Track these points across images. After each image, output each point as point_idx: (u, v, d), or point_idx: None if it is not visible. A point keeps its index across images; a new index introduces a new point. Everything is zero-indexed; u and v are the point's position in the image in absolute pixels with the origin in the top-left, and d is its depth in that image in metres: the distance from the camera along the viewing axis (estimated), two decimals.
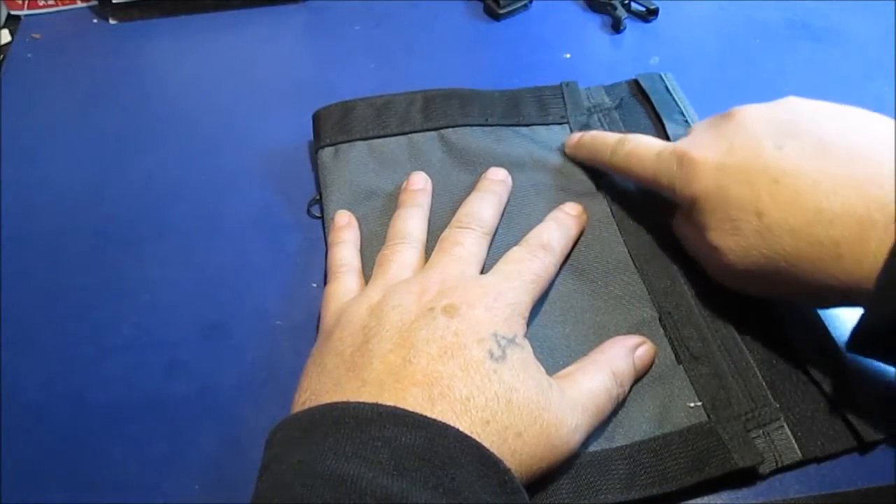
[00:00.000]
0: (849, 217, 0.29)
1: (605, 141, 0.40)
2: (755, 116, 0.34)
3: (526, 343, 0.31)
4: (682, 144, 0.35)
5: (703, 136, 0.35)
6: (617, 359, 0.33)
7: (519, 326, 0.31)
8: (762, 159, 0.32)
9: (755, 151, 0.32)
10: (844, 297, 0.30)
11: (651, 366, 0.34)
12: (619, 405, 0.33)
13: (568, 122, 0.45)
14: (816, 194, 0.30)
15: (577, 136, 0.42)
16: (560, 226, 0.38)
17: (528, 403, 0.28)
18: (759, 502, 0.32)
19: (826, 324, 0.36)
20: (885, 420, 0.32)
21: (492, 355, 0.29)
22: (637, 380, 0.34)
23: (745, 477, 0.32)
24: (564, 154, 0.43)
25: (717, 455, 0.31)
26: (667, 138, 0.44)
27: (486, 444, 0.27)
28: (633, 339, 0.34)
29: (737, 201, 0.32)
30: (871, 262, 0.28)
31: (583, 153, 0.42)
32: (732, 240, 0.32)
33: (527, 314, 0.33)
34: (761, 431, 0.32)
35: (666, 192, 0.36)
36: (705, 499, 0.31)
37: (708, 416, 0.33)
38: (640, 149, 0.37)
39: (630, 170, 0.38)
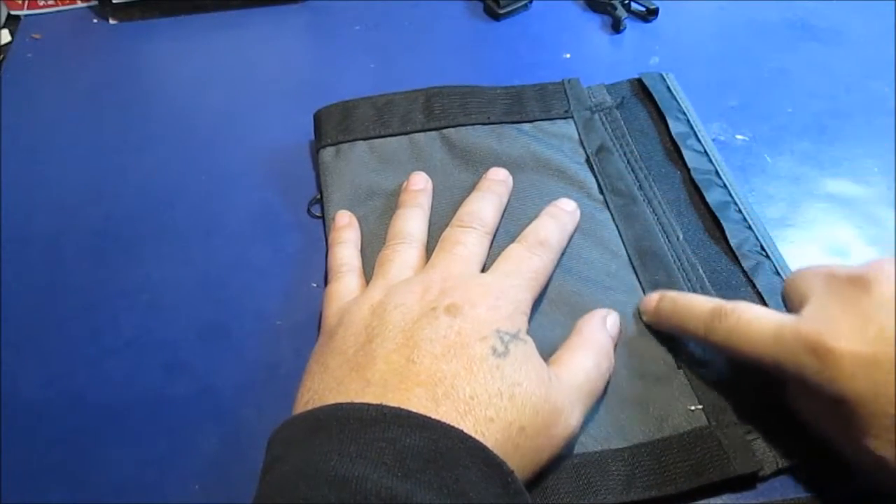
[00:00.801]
0: None
1: (694, 311, 0.33)
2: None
3: (528, 338, 0.31)
4: (808, 325, 0.28)
5: (836, 313, 0.28)
6: (595, 333, 0.34)
7: (521, 323, 0.32)
8: None
9: None
10: None
11: (620, 332, 0.35)
12: (618, 398, 0.33)
13: (572, 117, 0.45)
14: None
15: (655, 298, 0.35)
16: (556, 221, 0.38)
17: (531, 397, 0.28)
18: (758, 503, 0.32)
19: None
20: None
21: (495, 351, 0.29)
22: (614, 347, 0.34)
23: (744, 478, 0.32)
24: (566, 153, 0.43)
25: (716, 461, 0.31)
26: (669, 136, 0.44)
27: (491, 441, 0.27)
28: (600, 312, 0.35)
29: (887, 396, 0.26)
30: None
31: (666, 325, 0.35)
32: (882, 444, 0.27)
33: (528, 311, 0.33)
34: (760, 435, 0.32)
35: (792, 378, 0.30)
36: (705, 500, 0.31)
37: (708, 420, 0.33)
38: (750, 326, 0.30)
39: (736, 350, 0.31)
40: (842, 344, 0.27)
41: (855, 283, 0.29)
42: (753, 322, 0.30)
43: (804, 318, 0.29)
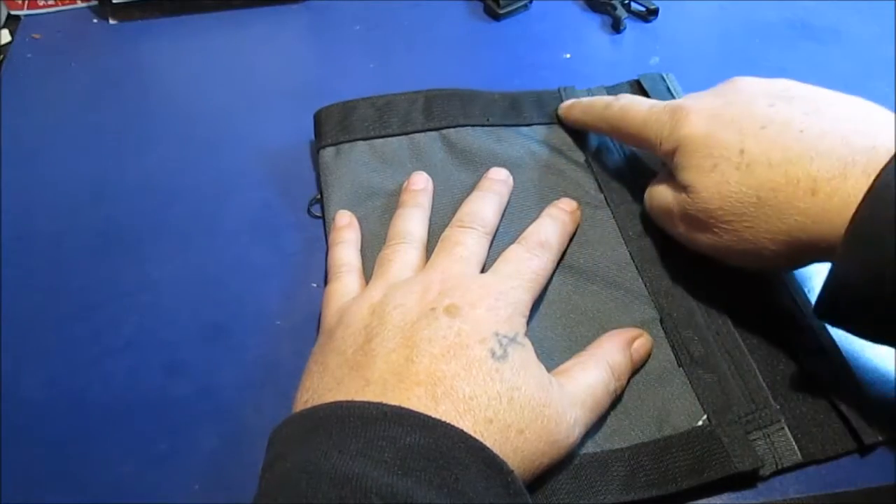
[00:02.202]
0: (830, 155, 0.30)
1: (598, 99, 0.42)
2: (752, 82, 0.36)
3: (527, 341, 0.31)
4: (676, 100, 0.37)
5: (699, 95, 0.37)
6: (614, 353, 0.33)
7: (520, 325, 0.32)
8: (754, 111, 0.33)
9: (748, 106, 0.34)
10: (812, 249, 0.31)
11: (647, 358, 0.35)
12: (617, 399, 0.33)
13: None
14: (801, 138, 0.31)
15: (569, 101, 0.44)
16: (556, 222, 0.38)
17: (530, 401, 0.28)
18: (759, 502, 0.32)
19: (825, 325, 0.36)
20: (885, 422, 0.33)
21: (493, 354, 0.29)
22: (634, 372, 0.34)
23: (745, 478, 0.32)
24: (565, 154, 0.43)
25: (717, 458, 0.31)
26: None
27: (489, 442, 0.27)
28: (630, 333, 0.35)
29: (722, 142, 0.33)
30: (844, 202, 0.29)
31: (576, 113, 0.43)
32: (709, 177, 0.33)
33: (527, 312, 0.33)
34: (761, 433, 0.32)
35: (651, 143, 0.37)
36: (705, 499, 0.31)
37: (708, 418, 0.33)
38: (634, 104, 0.39)
39: (622, 123, 0.39)
40: (695, 104, 0.35)
41: (723, 83, 0.37)
42: (636, 101, 0.39)
43: (675, 100, 0.38)
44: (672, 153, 0.35)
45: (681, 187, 0.34)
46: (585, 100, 0.43)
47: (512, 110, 0.45)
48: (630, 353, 0.34)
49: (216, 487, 0.32)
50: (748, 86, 0.35)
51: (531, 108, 0.45)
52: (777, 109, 0.33)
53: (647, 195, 0.38)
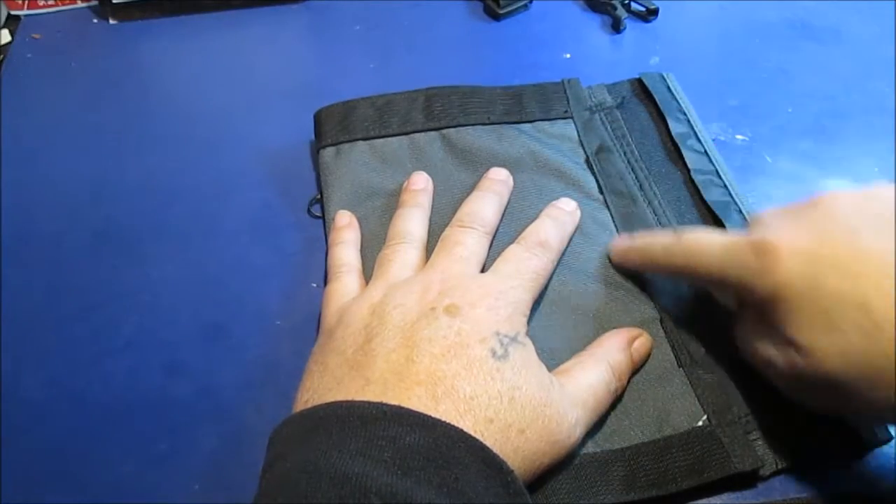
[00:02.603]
0: None
1: (656, 240, 0.35)
2: (846, 204, 0.29)
3: (527, 341, 0.31)
4: (755, 233, 0.30)
5: (783, 223, 0.30)
6: (614, 352, 0.33)
7: (520, 325, 0.32)
8: (863, 249, 0.27)
9: (853, 241, 0.28)
10: None
11: (648, 358, 0.35)
12: (617, 399, 0.33)
13: (571, 117, 0.45)
14: None
15: (624, 242, 0.38)
16: (556, 222, 0.38)
17: (531, 401, 0.28)
18: (759, 502, 0.32)
19: None
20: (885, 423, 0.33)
21: (494, 354, 0.29)
22: (634, 372, 0.34)
23: (745, 478, 0.32)
24: (565, 154, 0.43)
25: (717, 458, 0.31)
26: (669, 137, 0.44)
27: (490, 441, 0.27)
28: (630, 332, 0.34)
29: (834, 295, 0.27)
30: None
31: (633, 257, 0.37)
32: (826, 338, 0.27)
33: (527, 312, 0.33)
34: (761, 434, 0.32)
35: (735, 288, 0.31)
36: (705, 499, 0.31)
37: (708, 418, 0.33)
38: (702, 242, 0.32)
39: (691, 266, 0.33)
40: (783, 240, 0.29)
41: (806, 204, 0.31)
42: (704, 238, 0.33)
43: (752, 232, 0.31)
44: (769, 304, 0.29)
45: (787, 342, 0.29)
46: (640, 242, 0.36)
47: (514, 106, 0.45)
48: (630, 353, 0.34)
49: (216, 487, 0.32)
50: (841, 208, 0.29)
51: (533, 103, 0.45)
52: (891, 244, 0.27)
53: (738, 336, 0.33)
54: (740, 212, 0.40)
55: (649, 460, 0.31)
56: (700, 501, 0.31)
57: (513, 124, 0.44)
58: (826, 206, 0.30)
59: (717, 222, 0.40)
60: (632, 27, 0.54)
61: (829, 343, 0.27)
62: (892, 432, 0.32)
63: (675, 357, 0.35)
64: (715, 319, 0.36)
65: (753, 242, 0.30)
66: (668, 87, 0.47)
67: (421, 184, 0.40)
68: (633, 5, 0.54)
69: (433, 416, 0.26)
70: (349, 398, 0.28)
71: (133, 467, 0.33)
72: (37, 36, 0.54)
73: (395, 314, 0.31)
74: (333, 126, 0.44)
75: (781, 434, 0.32)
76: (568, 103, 0.45)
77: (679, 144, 0.43)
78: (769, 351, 0.30)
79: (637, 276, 0.38)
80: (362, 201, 0.41)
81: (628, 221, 0.40)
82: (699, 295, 0.37)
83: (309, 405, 0.28)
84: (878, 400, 0.27)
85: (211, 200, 0.43)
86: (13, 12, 0.56)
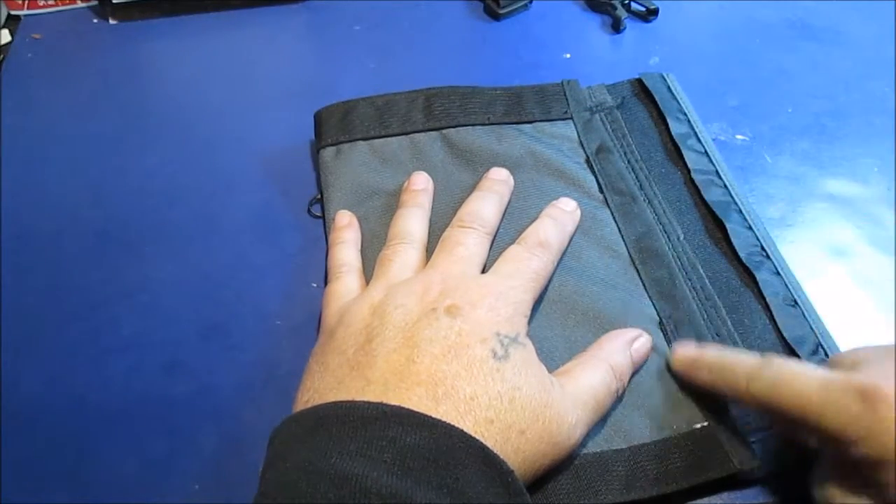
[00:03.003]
0: None
1: (737, 362, 0.30)
2: None
3: (528, 341, 0.31)
4: (861, 376, 0.26)
5: (883, 364, 0.27)
6: (615, 353, 0.33)
7: (521, 325, 0.32)
8: None
9: None
10: None
11: (648, 358, 0.35)
12: (618, 399, 0.33)
13: (571, 118, 0.45)
14: None
15: (690, 351, 0.33)
16: (556, 222, 0.38)
17: (531, 401, 0.28)
18: (759, 502, 0.32)
19: (824, 325, 0.36)
20: None
21: (495, 354, 0.29)
22: (634, 372, 0.34)
23: (745, 477, 0.32)
24: (566, 154, 0.43)
25: (717, 458, 0.31)
26: (670, 137, 0.44)
27: (490, 442, 0.27)
28: (630, 333, 0.34)
29: None
30: None
31: (703, 374, 0.32)
32: None
33: (528, 312, 0.33)
34: (761, 434, 0.32)
35: (832, 436, 0.26)
36: (705, 499, 0.32)
37: (708, 419, 0.33)
38: (797, 376, 0.28)
39: (776, 402, 0.28)
40: (890, 388, 0.25)
41: None
42: (799, 372, 0.28)
43: (857, 373, 0.27)
44: (874, 461, 0.25)
45: (883, 498, 0.26)
46: (715, 357, 0.32)
47: (513, 107, 0.45)
48: (631, 354, 0.34)
49: (216, 487, 0.32)
50: None
51: (533, 104, 0.45)
52: None
53: (815, 477, 0.29)
54: (740, 212, 0.40)
55: (649, 460, 0.31)
56: (700, 501, 0.32)
57: (513, 125, 0.44)
58: None
59: (718, 222, 0.40)
60: (632, 27, 0.54)
61: None
62: None
63: None
64: (715, 320, 0.36)
65: (861, 387, 0.26)
66: (668, 87, 0.47)
67: (421, 184, 0.40)
68: (633, 5, 0.54)
69: (434, 416, 0.26)
70: (350, 398, 0.28)
71: (133, 467, 0.33)
72: (37, 36, 0.54)
73: (395, 314, 0.31)
74: (333, 126, 0.44)
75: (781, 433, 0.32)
76: (567, 104, 0.45)
77: (679, 144, 0.43)
78: (852, 499, 0.27)
79: (637, 277, 0.38)
80: (362, 201, 0.41)
81: (628, 220, 0.40)
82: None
83: (309, 405, 0.28)
84: None
85: (211, 200, 0.43)
86: (13, 12, 0.56)
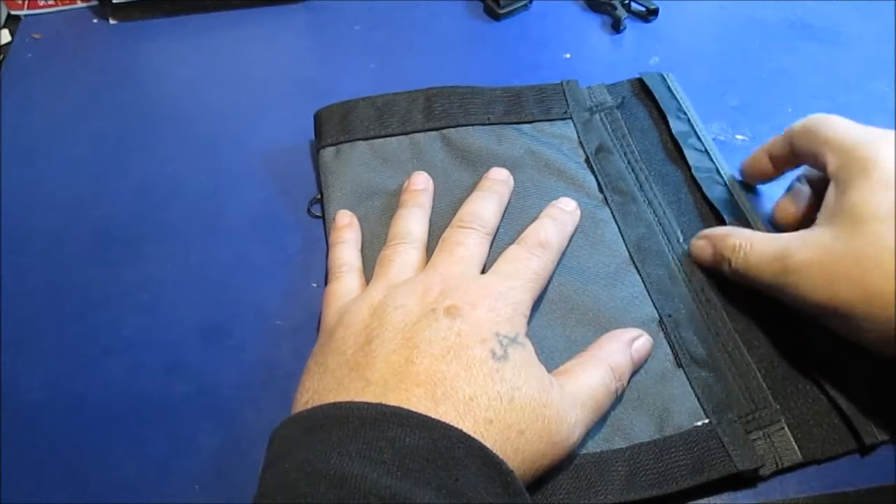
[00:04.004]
0: None
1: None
2: None
3: (527, 341, 0.31)
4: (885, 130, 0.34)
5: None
6: (615, 353, 0.33)
7: (520, 325, 0.32)
8: None
9: None
10: None
11: (648, 358, 0.35)
12: (618, 399, 0.33)
13: (571, 118, 0.45)
14: None
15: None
16: (555, 222, 0.38)
17: (531, 401, 0.28)
18: (759, 502, 0.32)
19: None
20: (885, 422, 0.33)
21: (494, 355, 0.29)
22: (634, 372, 0.34)
23: (745, 478, 0.32)
24: (565, 154, 0.43)
25: (717, 458, 0.31)
26: (670, 137, 0.44)
27: (490, 442, 0.27)
28: (630, 333, 0.35)
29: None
30: None
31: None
32: (875, 200, 0.30)
33: (528, 312, 0.33)
34: (762, 433, 0.32)
35: (829, 145, 0.34)
36: (705, 499, 0.32)
37: (708, 419, 0.33)
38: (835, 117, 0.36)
39: (808, 128, 0.36)
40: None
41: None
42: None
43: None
44: (851, 170, 0.32)
45: (830, 217, 0.32)
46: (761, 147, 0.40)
47: (513, 107, 0.45)
48: (630, 354, 0.34)
49: (216, 487, 0.32)
50: None
51: (533, 104, 0.45)
52: None
53: (738, 250, 0.35)
54: (741, 211, 0.40)
55: (649, 460, 0.31)
56: (700, 501, 0.32)
57: (513, 125, 0.44)
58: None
59: (720, 220, 0.40)
60: (632, 27, 0.54)
61: (873, 209, 0.30)
62: (893, 432, 0.32)
63: (675, 357, 0.35)
64: (715, 320, 0.36)
65: (870, 128, 0.33)
66: (669, 87, 0.47)
67: (421, 184, 0.40)
68: (633, 5, 0.54)
69: (433, 417, 0.26)
70: (349, 399, 0.28)
71: (133, 467, 0.33)
72: (37, 36, 0.54)
73: (395, 315, 0.31)
74: (333, 126, 0.44)
75: (782, 434, 0.32)
76: (567, 104, 0.45)
77: (680, 142, 0.43)
78: (783, 238, 0.33)
79: (637, 277, 0.38)
80: (362, 201, 0.41)
81: (628, 220, 0.40)
82: (699, 296, 0.37)
83: (309, 406, 0.28)
84: (862, 293, 0.29)
85: (211, 200, 0.43)
86: (13, 12, 0.56)
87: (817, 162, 0.35)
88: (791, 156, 0.38)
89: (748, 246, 0.35)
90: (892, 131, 0.33)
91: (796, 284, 0.32)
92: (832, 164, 0.34)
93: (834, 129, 0.34)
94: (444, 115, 0.44)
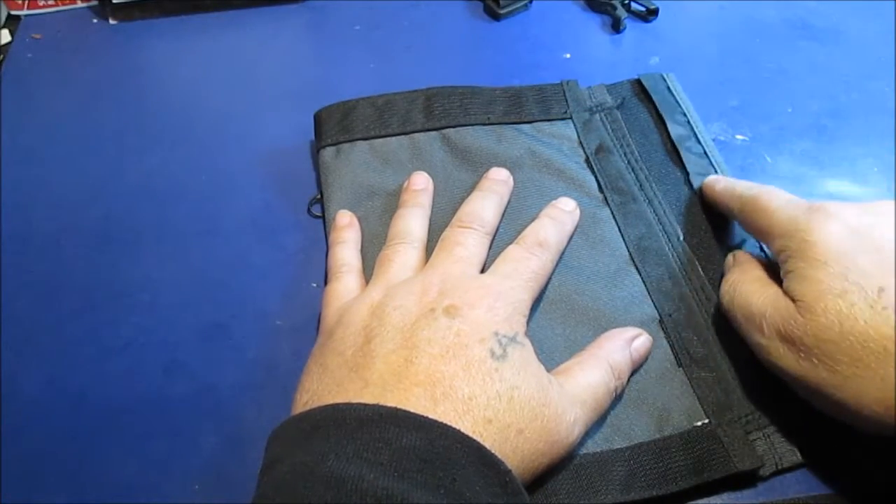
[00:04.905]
0: None
1: (743, 182, 0.38)
2: None
3: (526, 341, 0.31)
4: (819, 202, 0.33)
5: (846, 205, 0.32)
6: (614, 352, 0.33)
7: (519, 325, 0.32)
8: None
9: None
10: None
11: (647, 357, 0.35)
12: (617, 398, 0.33)
13: (571, 118, 0.45)
14: None
15: (716, 177, 0.40)
16: (555, 222, 0.38)
17: (530, 401, 0.28)
18: (759, 502, 0.32)
19: None
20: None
21: (493, 354, 0.29)
22: (634, 371, 0.34)
23: (745, 478, 0.32)
24: (565, 154, 0.43)
25: (717, 458, 0.31)
26: (669, 138, 0.44)
27: (489, 442, 0.27)
28: (630, 332, 0.35)
29: (860, 269, 0.29)
30: None
31: (718, 188, 0.39)
32: (833, 303, 0.28)
33: (527, 312, 0.33)
34: (761, 434, 0.32)
35: (774, 235, 0.33)
36: (705, 499, 0.32)
37: (708, 419, 0.33)
38: (775, 191, 0.35)
39: (754, 204, 0.35)
40: (837, 211, 0.31)
41: (879, 202, 0.32)
42: (777, 191, 0.35)
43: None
44: (793, 254, 0.31)
45: (788, 297, 0.30)
46: (731, 180, 0.39)
47: (513, 107, 0.45)
48: (630, 353, 0.34)
49: (216, 487, 0.32)
50: None
51: (533, 104, 0.45)
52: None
53: (728, 288, 0.34)
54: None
55: (649, 460, 0.31)
56: (700, 501, 0.32)
57: (512, 125, 0.44)
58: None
59: (717, 221, 0.40)
60: (632, 27, 0.54)
61: (833, 308, 0.28)
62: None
63: (675, 357, 0.35)
64: (715, 320, 0.36)
65: (812, 204, 0.32)
66: (668, 88, 0.47)
67: (421, 184, 0.40)
68: (633, 5, 0.54)
69: (432, 417, 0.26)
70: (348, 400, 0.28)
71: (133, 467, 0.33)
72: (37, 36, 0.54)
73: (394, 315, 0.31)
74: (333, 126, 0.44)
75: (782, 433, 0.32)
76: (567, 104, 0.45)
77: (678, 147, 0.43)
78: (762, 301, 0.32)
79: (637, 277, 0.38)
80: (362, 201, 0.41)
81: (628, 220, 0.40)
82: (698, 294, 0.37)
83: (308, 406, 0.28)
84: (854, 389, 0.28)
85: (211, 200, 0.43)
86: (13, 12, 0.56)
87: (763, 240, 0.35)
88: (732, 215, 0.38)
89: (733, 290, 0.34)
90: (829, 204, 0.32)
91: (768, 350, 0.31)
92: (776, 248, 0.33)
93: (772, 213, 0.34)
94: (444, 115, 0.44)
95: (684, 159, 0.43)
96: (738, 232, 0.39)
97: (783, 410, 0.33)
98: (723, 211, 0.39)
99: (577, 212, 0.39)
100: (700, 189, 0.41)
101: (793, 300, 0.30)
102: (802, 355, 0.29)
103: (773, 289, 0.32)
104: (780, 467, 0.32)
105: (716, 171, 0.42)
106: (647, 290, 0.37)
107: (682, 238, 0.39)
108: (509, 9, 0.55)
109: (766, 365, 0.32)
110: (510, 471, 0.26)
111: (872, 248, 0.29)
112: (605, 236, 0.39)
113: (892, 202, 0.31)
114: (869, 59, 0.51)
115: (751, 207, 0.35)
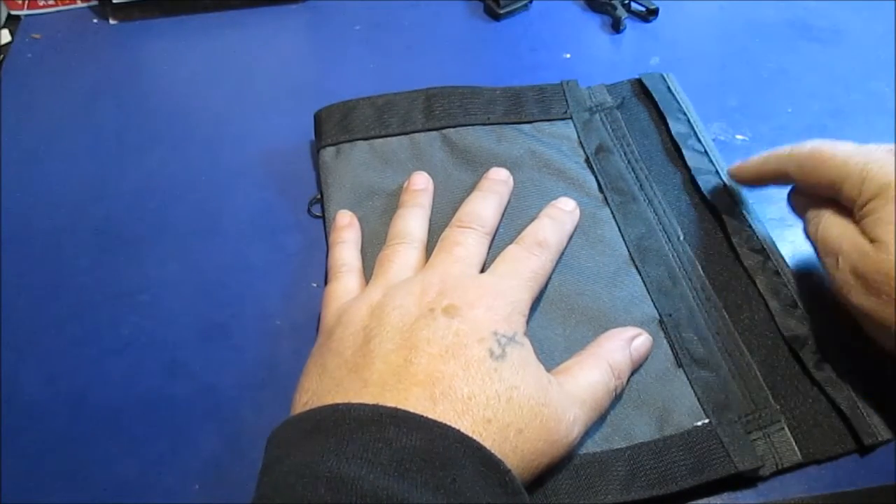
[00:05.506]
0: None
1: (778, 148, 0.37)
2: None
3: (526, 340, 0.31)
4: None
5: None
6: (614, 352, 0.33)
7: (519, 324, 0.32)
8: None
9: None
10: None
11: (647, 357, 0.35)
12: (617, 398, 0.33)
13: (571, 118, 0.45)
14: None
15: (739, 162, 0.39)
16: (554, 222, 0.38)
17: (529, 400, 0.28)
18: (759, 502, 0.32)
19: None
20: (885, 422, 0.33)
21: (492, 354, 0.29)
22: (634, 371, 0.34)
23: (745, 478, 0.32)
24: (565, 154, 0.43)
25: (717, 458, 0.31)
26: (670, 138, 0.44)
27: (488, 442, 0.27)
28: (629, 332, 0.35)
29: None
30: None
31: (752, 166, 0.38)
32: None
33: (526, 312, 0.33)
34: (762, 433, 0.32)
35: (850, 182, 0.32)
36: (705, 499, 0.32)
37: (708, 418, 0.33)
38: (829, 142, 0.34)
39: (815, 159, 0.34)
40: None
41: None
42: (832, 141, 0.34)
43: None
44: (873, 196, 0.31)
45: (866, 237, 0.31)
46: (763, 153, 0.38)
47: (513, 107, 0.45)
48: (630, 352, 0.34)
49: (216, 487, 0.32)
50: None
51: (533, 104, 0.45)
52: None
53: (814, 217, 0.35)
54: (741, 211, 0.40)
55: (649, 460, 0.31)
56: (700, 501, 0.32)
57: (513, 125, 0.44)
58: None
59: (719, 220, 0.40)
60: (632, 27, 0.54)
61: None
62: (893, 432, 0.32)
63: (675, 357, 0.35)
64: (715, 320, 0.36)
65: (888, 147, 0.32)
66: (668, 88, 0.47)
67: (421, 184, 0.40)
68: (633, 5, 0.54)
69: (431, 417, 0.26)
70: (347, 400, 0.28)
71: (133, 467, 0.33)
72: (37, 36, 0.54)
73: (393, 315, 0.31)
74: (333, 126, 0.44)
75: (782, 434, 0.32)
76: (567, 104, 0.45)
77: (679, 144, 0.43)
78: (843, 238, 0.32)
79: (637, 277, 0.38)
80: (362, 201, 0.41)
81: (628, 220, 0.40)
82: (699, 294, 0.37)
83: (308, 406, 0.28)
84: None
85: (211, 200, 0.43)
86: (13, 12, 0.56)
87: (829, 192, 0.34)
88: (787, 178, 0.37)
89: (818, 220, 0.34)
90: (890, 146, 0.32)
91: (840, 284, 0.32)
92: (849, 194, 0.33)
93: (842, 162, 0.33)
94: (444, 115, 0.44)
95: (685, 156, 0.43)
96: (738, 231, 0.39)
97: (783, 410, 0.33)
98: (769, 181, 0.38)
99: (577, 212, 0.39)
100: (712, 184, 0.40)
101: (871, 241, 0.31)
102: (873, 292, 0.30)
103: (853, 227, 0.32)
104: (780, 467, 0.32)
105: (716, 169, 0.42)
106: (647, 290, 0.37)
107: (682, 238, 0.39)
108: (509, 9, 0.55)
109: (837, 296, 0.33)
110: (510, 470, 0.26)
111: None
112: (605, 236, 0.39)
113: None
114: (869, 59, 0.51)
115: (813, 163, 0.34)
